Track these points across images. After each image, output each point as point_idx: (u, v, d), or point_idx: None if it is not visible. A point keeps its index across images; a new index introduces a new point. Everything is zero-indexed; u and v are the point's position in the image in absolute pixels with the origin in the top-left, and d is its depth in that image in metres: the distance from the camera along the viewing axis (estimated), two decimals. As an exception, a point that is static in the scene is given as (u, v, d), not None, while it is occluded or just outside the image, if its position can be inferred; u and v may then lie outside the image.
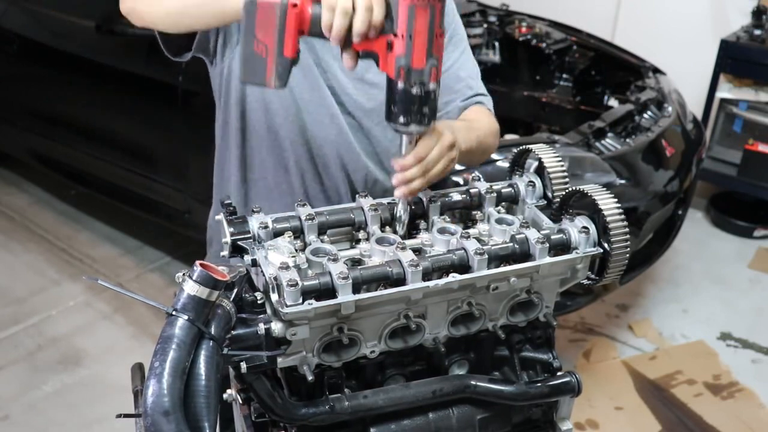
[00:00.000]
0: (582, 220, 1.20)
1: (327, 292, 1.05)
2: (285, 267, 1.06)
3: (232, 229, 1.17)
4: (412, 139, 1.19)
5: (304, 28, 1.11)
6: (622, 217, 1.17)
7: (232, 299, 1.05)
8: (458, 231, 1.19)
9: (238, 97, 1.53)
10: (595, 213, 1.19)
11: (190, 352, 0.95)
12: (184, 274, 0.97)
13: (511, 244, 1.17)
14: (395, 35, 1.09)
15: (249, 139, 1.56)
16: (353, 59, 1.14)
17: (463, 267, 1.13)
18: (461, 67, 1.60)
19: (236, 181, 1.61)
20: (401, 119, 1.14)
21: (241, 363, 1.06)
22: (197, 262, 0.97)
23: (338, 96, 1.52)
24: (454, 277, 1.10)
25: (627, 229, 1.17)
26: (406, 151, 1.20)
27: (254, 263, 1.12)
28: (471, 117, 1.55)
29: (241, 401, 1.17)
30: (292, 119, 1.53)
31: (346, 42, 1.11)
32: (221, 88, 1.55)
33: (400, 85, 1.11)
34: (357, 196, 1.27)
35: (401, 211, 1.22)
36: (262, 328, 1.05)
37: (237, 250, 1.17)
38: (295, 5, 1.08)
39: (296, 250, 1.13)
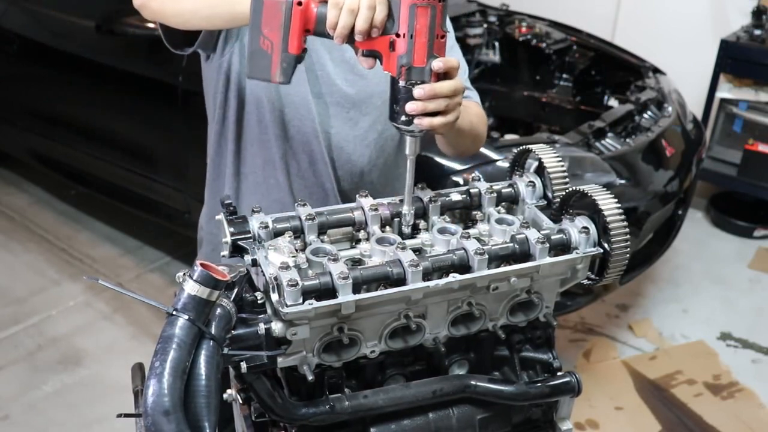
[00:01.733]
0: (582, 220, 1.20)
1: (327, 292, 1.05)
2: (285, 267, 1.06)
3: (232, 229, 1.17)
4: (416, 138, 1.20)
5: (310, 27, 1.13)
6: (622, 217, 1.17)
7: (232, 299, 1.05)
8: (458, 231, 1.19)
9: (237, 91, 1.54)
10: (595, 213, 1.19)
11: (190, 352, 0.95)
12: (184, 274, 0.97)
13: (511, 244, 1.17)
14: (397, 35, 1.11)
15: (243, 132, 1.57)
16: (365, 60, 1.16)
17: (464, 267, 1.13)
18: None
19: (230, 174, 1.62)
20: (403, 118, 1.15)
21: (242, 363, 1.06)
22: (198, 262, 0.97)
23: (326, 86, 1.53)
24: (454, 277, 1.10)
25: (627, 229, 1.17)
26: (409, 150, 1.20)
27: (254, 263, 1.12)
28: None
29: (241, 401, 1.17)
30: (278, 114, 1.54)
31: (349, 41, 1.13)
32: (219, 83, 1.55)
33: (402, 83, 1.12)
34: (357, 196, 1.27)
35: (407, 209, 1.23)
36: (262, 328, 1.05)
37: (237, 250, 1.17)
38: (300, 3, 1.10)
39: (296, 250, 1.13)
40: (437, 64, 1.13)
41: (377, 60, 1.15)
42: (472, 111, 1.55)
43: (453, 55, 1.62)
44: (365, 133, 1.59)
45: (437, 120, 1.16)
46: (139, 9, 1.38)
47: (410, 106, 1.14)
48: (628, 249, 1.18)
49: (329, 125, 1.56)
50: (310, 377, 1.09)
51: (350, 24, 1.10)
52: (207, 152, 1.69)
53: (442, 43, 1.12)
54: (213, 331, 0.99)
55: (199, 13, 1.30)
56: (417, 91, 1.13)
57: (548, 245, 1.16)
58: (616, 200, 1.18)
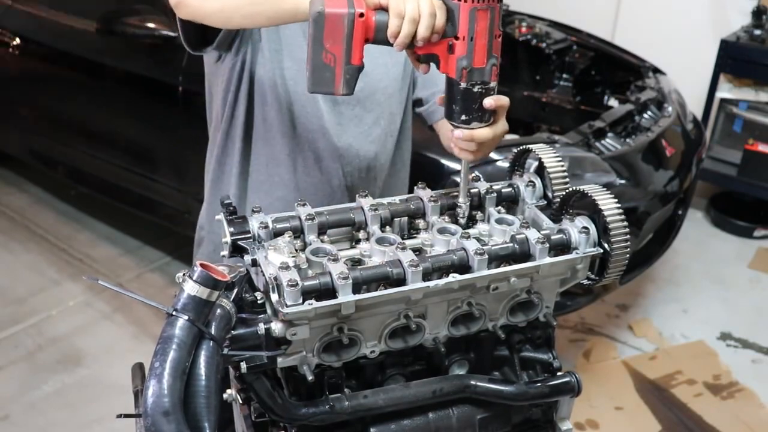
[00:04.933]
0: (582, 221, 1.20)
1: (327, 292, 1.05)
2: (285, 267, 1.06)
3: (232, 229, 1.17)
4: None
5: (370, 36, 1.14)
6: (622, 217, 1.17)
7: (232, 299, 1.05)
8: (458, 231, 1.19)
9: (247, 90, 1.54)
10: (595, 213, 1.19)
11: (190, 353, 0.95)
12: (184, 274, 0.97)
13: (511, 244, 1.17)
14: (456, 38, 1.12)
15: (250, 131, 1.58)
16: (421, 64, 1.18)
17: (464, 267, 1.13)
18: None
19: (236, 174, 1.62)
20: (463, 117, 1.18)
21: (241, 363, 1.06)
22: (197, 262, 0.97)
23: None
24: (454, 278, 1.10)
25: (627, 229, 1.17)
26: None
27: (254, 263, 1.12)
28: None
29: (241, 401, 1.17)
30: (285, 112, 1.54)
31: (409, 46, 1.14)
32: (231, 82, 1.55)
33: (463, 84, 1.15)
34: (357, 196, 1.27)
35: (462, 201, 1.26)
36: (262, 328, 1.05)
37: (237, 250, 1.17)
38: (362, 15, 1.11)
39: (296, 250, 1.13)
40: (488, 102, 1.18)
41: (435, 64, 1.17)
42: None
43: None
44: (369, 129, 1.60)
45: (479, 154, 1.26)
46: (174, 7, 1.36)
47: (489, 102, 1.17)
48: (628, 249, 1.18)
49: (336, 122, 1.57)
50: (310, 377, 1.09)
51: (413, 32, 1.12)
52: (209, 152, 1.69)
53: (499, 43, 1.15)
54: (213, 331, 0.99)
55: (242, 9, 1.28)
56: (467, 136, 1.20)
57: (548, 245, 1.16)
58: (616, 200, 1.18)
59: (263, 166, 1.60)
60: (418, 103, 1.70)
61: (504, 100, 1.22)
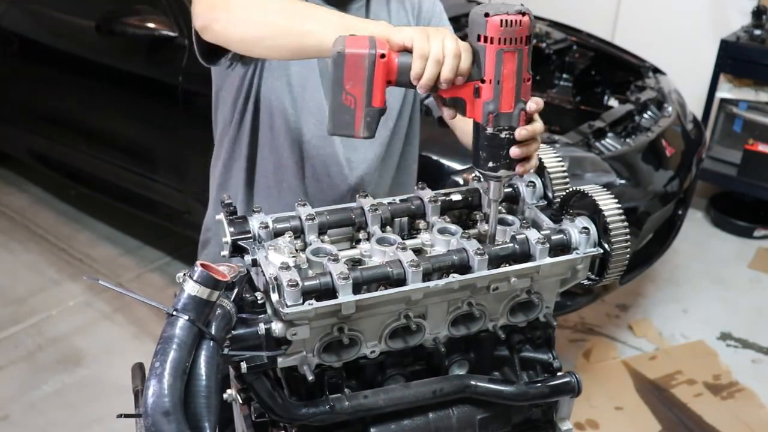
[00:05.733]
0: (582, 221, 1.20)
1: (327, 292, 1.05)
2: (285, 267, 1.06)
3: (232, 229, 1.17)
4: (499, 183, 1.17)
5: (392, 78, 1.10)
6: (623, 217, 1.17)
7: (232, 299, 1.05)
8: (458, 231, 1.19)
9: (255, 97, 1.54)
10: (595, 213, 1.19)
11: (190, 353, 0.95)
12: (184, 274, 0.97)
13: (512, 244, 1.17)
14: (482, 81, 1.08)
15: (257, 138, 1.58)
16: (446, 108, 1.13)
17: (464, 267, 1.13)
18: None
19: (243, 179, 1.62)
20: (490, 164, 1.12)
21: (242, 363, 1.06)
22: (198, 262, 0.97)
23: None
24: (454, 278, 1.10)
25: (627, 229, 1.17)
26: (494, 194, 1.18)
27: (254, 263, 1.12)
28: None
29: (241, 401, 1.17)
30: (292, 119, 1.53)
31: (432, 89, 1.10)
32: (241, 90, 1.54)
33: (489, 130, 1.10)
34: (357, 196, 1.27)
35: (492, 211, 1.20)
36: (262, 328, 1.05)
37: (237, 250, 1.17)
38: (383, 56, 1.07)
39: (296, 250, 1.13)
40: (531, 105, 1.11)
41: (462, 108, 1.12)
42: None
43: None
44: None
45: (530, 164, 1.16)
46: (200, 31, 1.34)
47: (515, 151, 1.11)
48: (628, 249, 1.18)
49: None
50: (310, 377, 1.09)
51: (436, 74, 1.07)
52: (215, 156, 1.69)
53: (528, 86, 1.10)
54: (213, 331, 0.99)
55: (265, 42, 1.25)
56: (520, 132, 1.10)
57: (548, 245, 1.16)
58: (616, 200, 1.18)
59: (271, 172, 1.60)
60: (425, 95, 1.68)
61: (540, 105, 1.15)
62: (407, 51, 1.09)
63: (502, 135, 1.10)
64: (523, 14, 1.04)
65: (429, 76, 1.07)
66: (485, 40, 1.05)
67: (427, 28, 1.11)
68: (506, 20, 1.03)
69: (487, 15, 1.04)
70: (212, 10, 1.27)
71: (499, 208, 1.30)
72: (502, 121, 1.09)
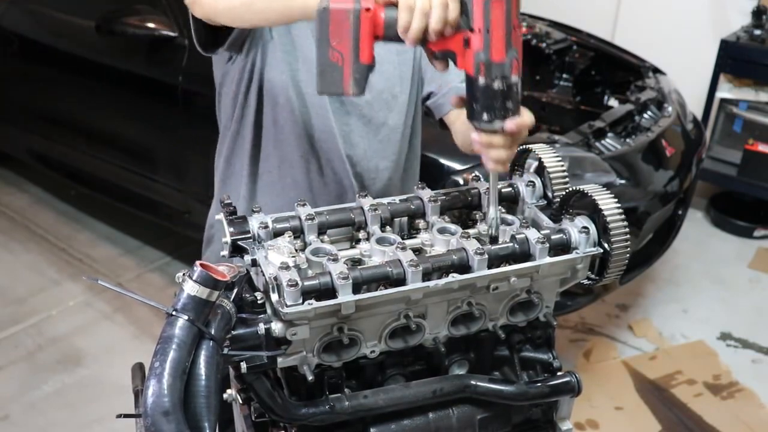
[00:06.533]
0: (582, 220, 1.20)
1: (327, 292, 1.05)
2: (285, 267, 1.06)
3: (232, 229, 1.17)
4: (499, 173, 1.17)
5: (379, 33, 1.08)
6: (622, 217, 1.17)
7: (232, 299, 1.05)
8: (458, 231, 1.19)
9: (257, 91, 1.54)
10: (595, 213, 1.19)
11: (190, 353, 0.95)
12: (184, 274, 0.97)
13: (512, 244, 1.17)
14: (472, 30, 1.06)
15: (260, 132, 1.58)
16: (437, 61, 1.12)
17: (463, 267, 1.13)
18: None
19: (246, 175, 1.62)
20: (485, 116, 1.10)
21: (241, 363, 1.06)
22: (197, 262, 0.97)
23: None
24: (454, 277, 1.10)
25: (627, 229, 1.17)
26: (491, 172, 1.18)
27: (254, 263, 1.12)
28: None
29: (241, 401, 1.17)
30: (297, 113, 1.54)
31: (421, 42, 1.09)
32: (242, 83, 1.54)
33: (481, 80, 1.07)
34: (357, 195, 1.27)
35: (492, 210, 1.19)
36: (262, 328, 1.05)
37: (237, 250, 1.17)
38: (368, 9, 1.06)
39: (296, 250, 1.13)
40: (509, 125, 1.10)
41: (452, 60, 1.11)
42: None
43: None
44: (378, 129, 1.60)
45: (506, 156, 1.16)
46: (189, 7, 1.35)
47: (510, 125, 1.10)
48: (628, 249, 1.18)
49: (345, 122, 1.57)
50: (310, 377, 1.09)
51: (424, 25, 1.06)
52: (218, 152, 1.69)
53: (519, 34, 1.07)
54: (213, 331, 0.99)
55: (254, 7, 1.25)
56: (508, 123, 1.10)
57: (548, 245, 1.16)
58: (616, 200, 1.18)
59: (275, 167, 1.60)
60: (426, 97, 1.69)
61: (526, 121, 1.14)
62: (394, 5, 1.08)
63: (495, 85, 1.07)
64: None
65: (416, 27, 1.06)
66: None
67: None
68: None
69: None
70: None
71: (499, 207, 1.31)
72: (494, 70, 1.06)
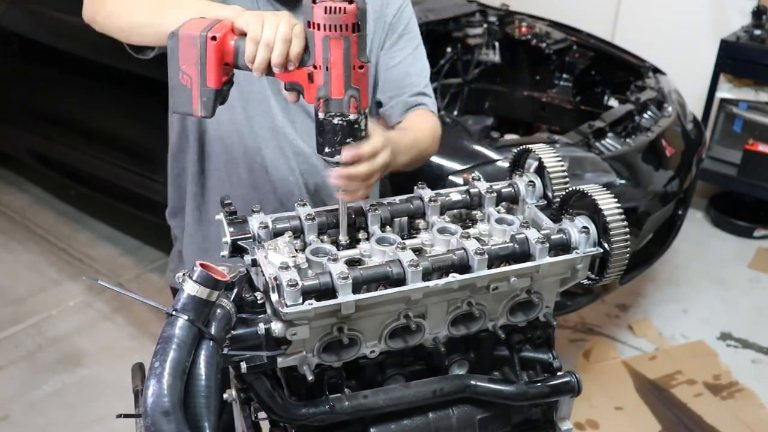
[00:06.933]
0: (582, 220, 1.20)
1: (327, 292, 1.05)
2: (285, 267, 1.06)
3: (232, 229, 1.17)
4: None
5: (228, 60, 1.14)
6: (622, 217, 1.17)
7: (232, 299, 1.05)
8: (458, 231, 1.19)
9: None
10: (595, 213, 1.19)
11: (190, 353, 0.95)
12: (184, 274, 0.97)
13: (511, 244, 1.17)
14: (315, 67, 1.11)
15: (205, 131, 1.59)
16: (288, 92, 1.16)
17: (463, 267, 1.13)
18: (411, 64, 1.64)
19: (193, 173, 1.63)
20: (326, 150, 1.15)
21: (241, 363, 1.06)
22: (197, 262, 0.97)
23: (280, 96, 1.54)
24: (454, 277, 1.10)
25: (627, 229, 1.16)
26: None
27: (254, 263, 1.12)
28: (413, 122, 1.58)
29: (241, 401, 1.17)
30: (239, 110, 1.54)
31: (269, 73, 1.14)
32: None
33: (320, 115, 1.13)
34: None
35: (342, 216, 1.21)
36: (262, 328, 1.05)
37: (237, 250, 1.17)
38: (214, 38, 1.11)
39: (296, 250, 1.13)
40: (345, 156, 1.14)
41: (300, 93, 1.15)
42: (424, 129, 1.56)
43: (417, 58, 1.65)
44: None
45: (356, 194, 1.20)
46: (90, 23, 1.40)
47: (345, 155, 1.14)
48: (628, 249, 1.17)
49: (288, 121, 1.57)
50: (310, 377, 1.09)
51: (267, 58, 1.11)
52: (170, 153, 1.70)
53: (362, 74, 1.11)
54: (213, 331, 0.99)
55: (135, 30, 1.32)
56: (333, 175, 1.16)
57: (548, 245, 1.16)
58: (616, 200, 1.18)
59: (222, 164, 1.61)
60: (378, 105, 1.68)
61: (362, 152, 1.17)
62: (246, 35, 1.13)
63: (335, 121, 1.13)
64: (351, 2, 1.06)
65: (260, 59, 1.12)
66: (313, 27, 1.08)
67: (266, 13, 1.15)
68: (331, 7, 1.06)
69: (314, 2, 1.07)
70: (92, 4, 1.36)
71: (499, 207, 1.31)
72: (332, 106, 1.12)
